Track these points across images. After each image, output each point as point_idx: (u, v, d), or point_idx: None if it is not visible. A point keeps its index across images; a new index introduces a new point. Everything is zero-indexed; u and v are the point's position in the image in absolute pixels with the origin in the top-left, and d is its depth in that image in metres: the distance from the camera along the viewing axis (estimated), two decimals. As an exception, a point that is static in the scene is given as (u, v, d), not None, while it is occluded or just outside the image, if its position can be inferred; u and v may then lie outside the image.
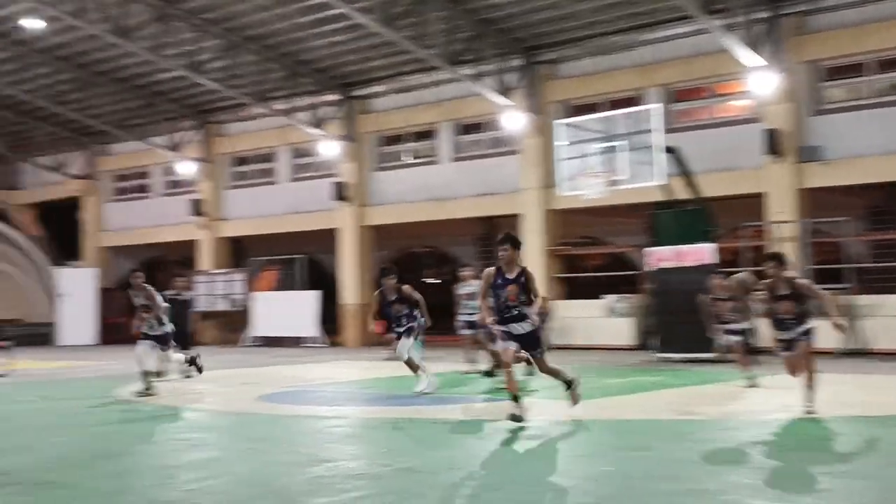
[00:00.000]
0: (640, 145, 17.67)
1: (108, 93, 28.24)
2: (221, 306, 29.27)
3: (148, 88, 28.46)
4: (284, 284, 29.12)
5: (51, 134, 32.58)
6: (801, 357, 9.35)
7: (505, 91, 22.78)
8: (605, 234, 26.79)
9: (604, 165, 18.03)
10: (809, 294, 9.53)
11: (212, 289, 29.45)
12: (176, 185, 31.85)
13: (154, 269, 35.66)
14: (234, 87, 25.14)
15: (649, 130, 17.69)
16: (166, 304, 15.36)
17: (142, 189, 33.18)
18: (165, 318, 12.89)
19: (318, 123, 26.43)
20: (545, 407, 10.72)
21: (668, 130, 20.97)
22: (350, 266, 26.85)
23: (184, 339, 15.48)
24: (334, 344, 26.21)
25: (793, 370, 9.51)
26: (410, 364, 11.93)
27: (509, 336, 8.74)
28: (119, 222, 33.21)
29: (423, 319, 12.08)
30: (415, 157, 26.55)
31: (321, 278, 29.05)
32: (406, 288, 12.07)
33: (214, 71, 24.46)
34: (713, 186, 19.53)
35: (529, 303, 8.73)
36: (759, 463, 7.03)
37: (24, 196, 35.78)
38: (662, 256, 18.12)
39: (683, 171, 18.14)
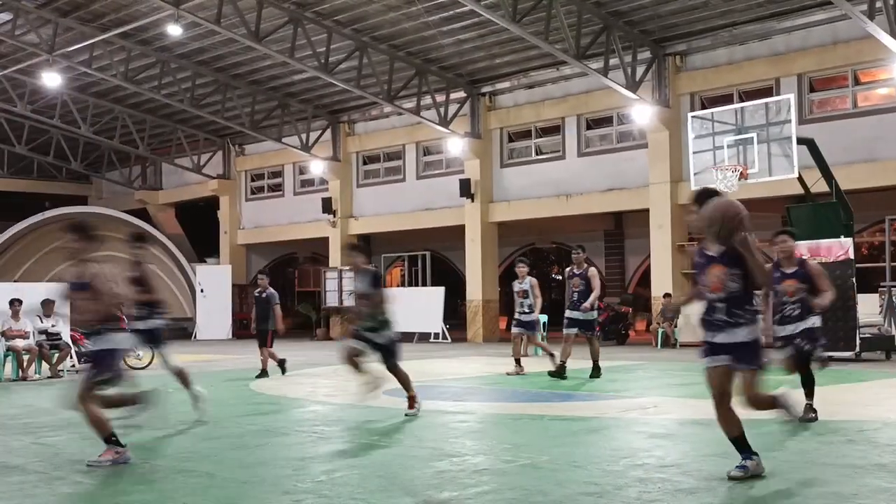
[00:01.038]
0: (774, 137, 17.16)
1: (243, 95, 29.19)
2: (350, 302, 29.82)
3: (281, 90, 29.27)
4: (411, 280, 29.50)
5: (190, 136, 33.89)
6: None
7: (633, 84, 22.44)
8: (737, 230, 26.06)
9: (736, 158, 17.58)
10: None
11: (341, 285, 30.07)
12: (308, 184, 32.65)
13: (287, 266, 36.79)
14: (364, 86, 25.59)
15: (784, 122, 17.15)
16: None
17: (275, 188, 34.15)
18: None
19: (445, 121, 26.64)
20: (672, 406, 10.55)
21: (805, 121, 20.34)
22: (475, 262, 26.96)
23: (266, 336, 15.60)
24: (459, 340, 26.36)
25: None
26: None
27: (363, 340, 9.70)
28: (254, 220, 34.27)
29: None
30: (541, 153, 26.45)
31: (447, 274, 29.30)
32: (143, 268, 10.19)
33: (345, 71, 24.96)
34: (853, 178, 18.77)
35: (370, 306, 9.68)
36: (899, 467, 6.72)
37: (164, 196, 37.32)
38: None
39: (819, 162, 17.49)
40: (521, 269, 14.91)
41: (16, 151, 35.24)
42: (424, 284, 28.77)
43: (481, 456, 7.46)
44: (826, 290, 8.53)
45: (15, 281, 28.22)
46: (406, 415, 9.70)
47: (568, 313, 13.83)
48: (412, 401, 9.85)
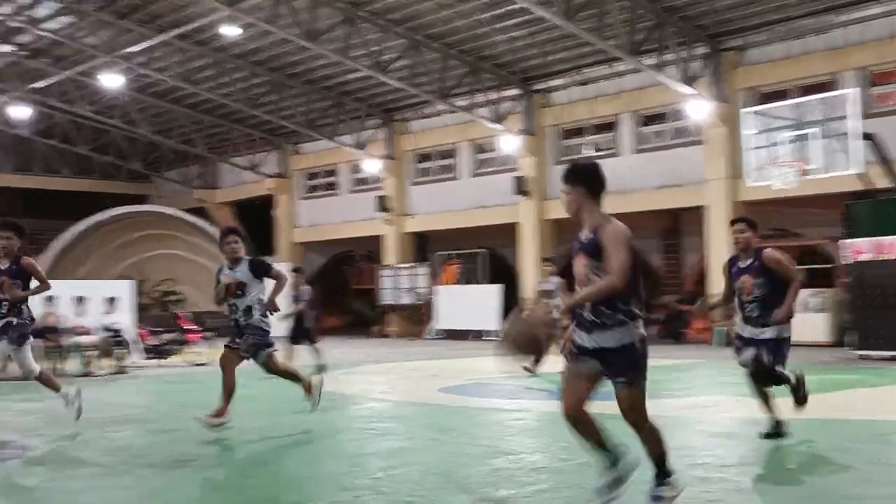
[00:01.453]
0: (835, 132, 16.89)
1: (298, 94, 29.46)
2: (406, 300, 29.99)
3: (336, 89, 29.48)
4: (467, 278, 29.53)
5: (247, 135, 34.31)
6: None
7: (689, 80, 22.22)
8: (796, 226, 25.70)
9: (795, 154, 17.34)
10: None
11: (396, 283, 30.24)
12: (362, 183, 32.85)
13: (342, 264, 37.05)
14: (418, 85, 25.67)
15: (844, 116, 16.87)
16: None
17: (330, 186, 34.41)
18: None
19: (498, 118, 26.63)
20: (732, 405, 10.44)
21: (866, 116, 19.91)
22: (531, 260, 26.90)
23: (306, 334, 15.54)
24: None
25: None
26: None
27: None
28: (310, 219, 34.57)
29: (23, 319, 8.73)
30: (596, 150, 26.31)
31: (503, 272, 29.26)
32: (26, 260, 8.80)
33: (398, 70, 25.07)
34: (916, 174, 18.38)
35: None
36: (966, 469, 6.59)
37: (222, 195, 37.83)
38: (860, 249, 17.22)
39: (883, 158, 17.16)
40: (547, 268, 14.80)
41: (78, 152, 35.99)
42: (480, 282, 28.77)
43: (538, 454, 7.47)
44: (792, 280, 7.44)
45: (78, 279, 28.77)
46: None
47: None
48: (308, 389, 9.11)
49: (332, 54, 24.20)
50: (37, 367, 8.85)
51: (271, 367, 8.85)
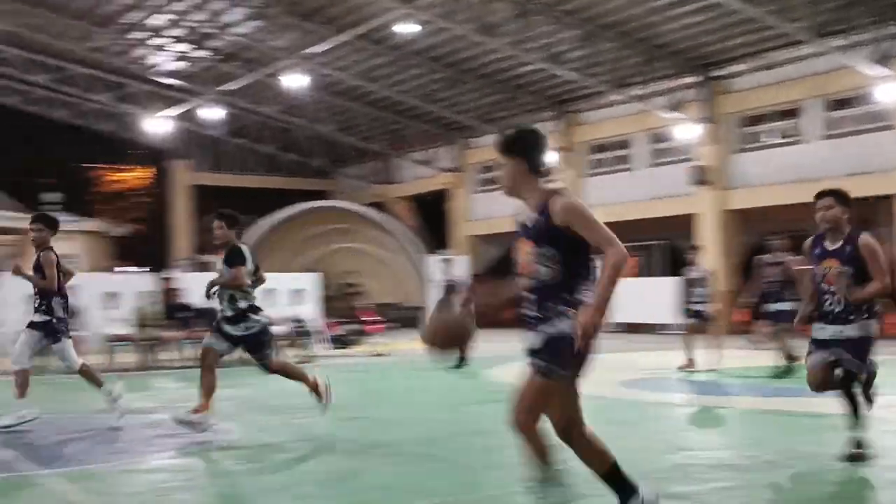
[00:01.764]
0: None
1: (473, 89, 29.76)
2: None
3: (509, 82, 29.60)
4: (644, 270, 29.06)
5: (423, 131, 34.99)
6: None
7: (882, 61, 21.03)
8: None
9: None
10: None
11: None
12: (536, 174, 32.83)
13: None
14: (592, 75, 25.46)
15: None
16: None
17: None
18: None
19: (675, 107, 26.05)
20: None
21: None
22: (711, 252, 26.17)
23: None
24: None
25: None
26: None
27: (221, 335, 8.44)
28: (483, 212, 34.87)
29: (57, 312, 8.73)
30: (779, 137, 25.32)
31: (680, 264, 28.66)
32: (44, 254, 8.64)
33: (572, 61, 24.94)
34: None
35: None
36: None
37: (399, 189, 38.73)
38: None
39: None
40: (693, 255, 14.61)
41: (265, 151, 37.74)
42: (658, 275, 28.25)
43: (716, 450, 7.33)
44: (878, 278, 6.16)
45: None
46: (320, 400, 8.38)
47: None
48: (316, 389, 8.46)
49: (505, 48, 24.35)
50: (78, 362, 8.85)
51: (272, 366, 8.55)
